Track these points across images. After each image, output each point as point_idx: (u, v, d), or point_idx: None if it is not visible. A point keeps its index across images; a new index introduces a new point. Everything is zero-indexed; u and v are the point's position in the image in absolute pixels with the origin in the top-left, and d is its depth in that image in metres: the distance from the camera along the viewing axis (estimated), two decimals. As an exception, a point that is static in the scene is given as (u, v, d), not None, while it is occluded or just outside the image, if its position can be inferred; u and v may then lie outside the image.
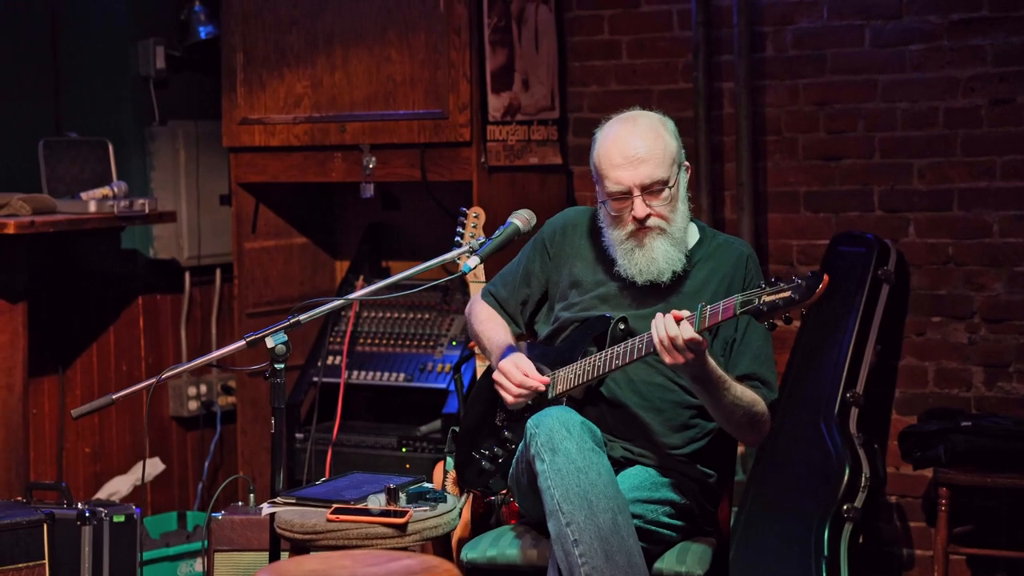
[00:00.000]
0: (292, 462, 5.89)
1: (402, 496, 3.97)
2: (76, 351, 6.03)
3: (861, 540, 5.19)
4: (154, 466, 5.97)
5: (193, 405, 6.26)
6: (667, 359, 3.78)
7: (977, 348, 5.44)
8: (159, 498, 6.18)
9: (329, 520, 3.86)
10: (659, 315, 3.79)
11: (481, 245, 4.09)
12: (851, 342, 5.29)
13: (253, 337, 3.91)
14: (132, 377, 6.12)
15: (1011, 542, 5.28)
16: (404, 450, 5.67)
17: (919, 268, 5.47)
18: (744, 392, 3.95)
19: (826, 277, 3.62)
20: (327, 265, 6.36)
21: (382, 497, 3.95)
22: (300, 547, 3.91)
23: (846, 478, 5.16)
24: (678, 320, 3.76)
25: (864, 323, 5.30)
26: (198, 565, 5.57)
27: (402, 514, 3.86)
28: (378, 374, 5.81)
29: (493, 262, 4.27)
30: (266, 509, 3.97)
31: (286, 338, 3.90)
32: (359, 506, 3.91)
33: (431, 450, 5.60)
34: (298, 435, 5.86)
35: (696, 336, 3.73)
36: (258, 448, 6.04)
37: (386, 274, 6.16)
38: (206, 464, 6.29)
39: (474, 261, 4.04)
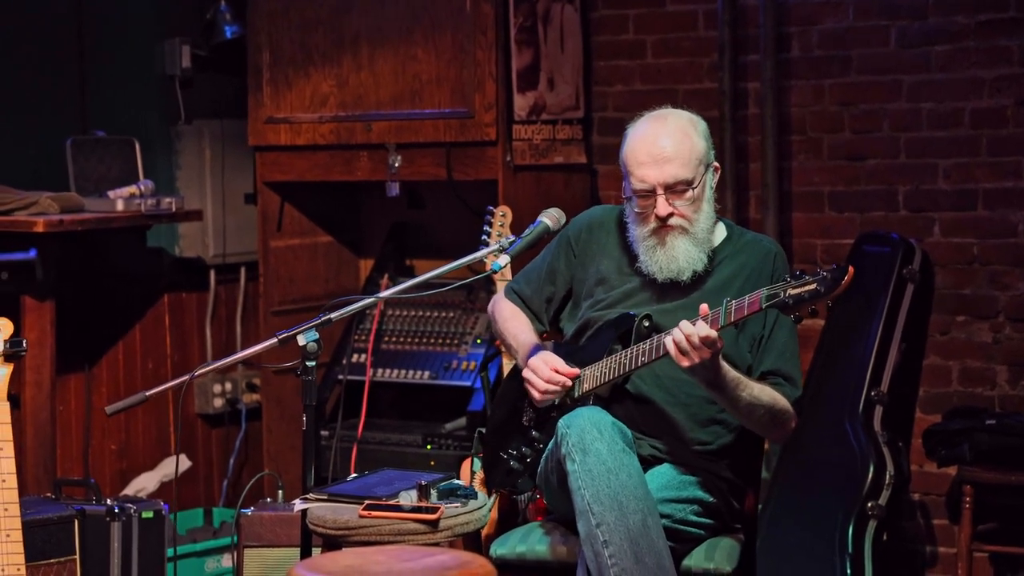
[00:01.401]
0: (318, 459, 5.87)
1: (433, 493, 3.99)
2: (102, 349, 6.06)
3: (885, 537, 5.20)
4: (181, 463, 6.00)
5: (218, 402, 6.29)
6: (683, 363, 3.79)
7: (1001, 347, 5.46)
8: (184, 495, 6.20)
9: (361, 516, 3.88)
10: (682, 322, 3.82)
11: (511, 244, 4.11)
12: (876, 341, 5.29)
13: (285, 335, 3.93)
14: (158, 375, 6.15)
15: (1034, 540, 5.31)
16: (429, 447, 5.70)
17: (944, 268, 5.49)
18: (763, 391, 3.97)
19: (851, 269, 3.64)
20: (351, 263, 6.39)
21: (413, 493, 3.96)
22: (332, 543, 3.93)
23: (870, 476, 5.16)
24: (703, 316, 3.78)
25: (889, 322, 5.30)
26: (225, 561, 5.60)
27: (434, 510, 3.88)
28: (403, 372, 5.84)
29: (517, 260, 4.28)
30: (298, 505, 3.99)
31: (317, 336, 3.93)
32: (391, 502, 3.93)
33: (456, 447, 5.64)
34: (323, 432, 5.89)
35: (711, 333, 3.75)
36: (283, 445, 6.07)
37: (410, 272, 6.20)
38: (231, 461, 6.32)
39: (504, 259, 4.06)
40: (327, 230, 6.27)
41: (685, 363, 3.79)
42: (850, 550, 5.11)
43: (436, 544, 3.87)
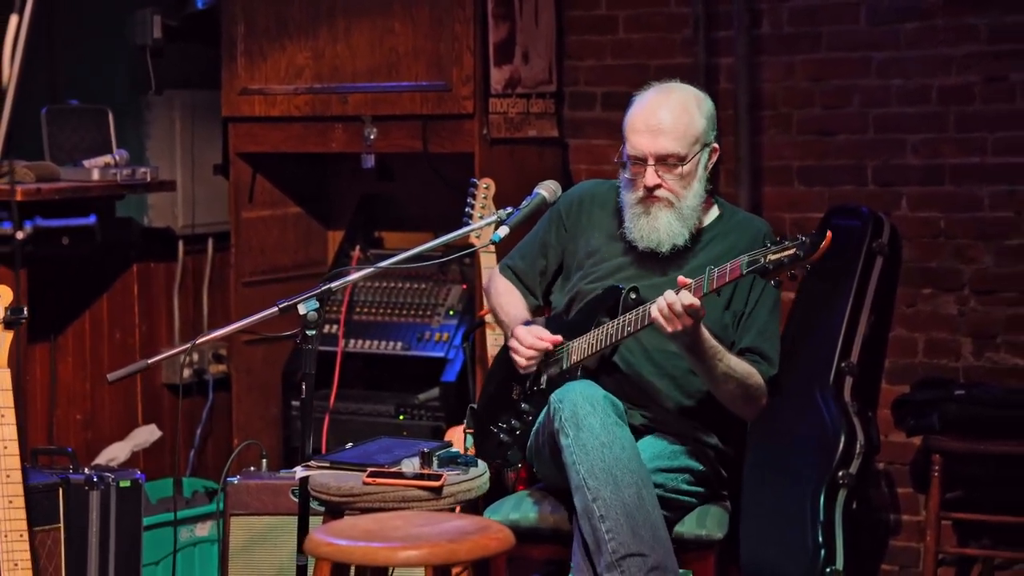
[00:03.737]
0: (288, 430, 5.96)
1: (435, 460, 4.04)
2: (68, 318, 6.05)
3: (855, 505, 5.30)
4: (151, 433, 6.01)
5: (185, 373, 6.29)
6: (667, 328, 3.87)
7: (966, 319, 5.56)
8: (151, 465, 6.20)
9: (366, 483, 3.92)
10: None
11: (509, 215, 4.16)
12: (846, 313, 5.37)
13: (285, 304, 3.96)
14: (126, 345, 6.15)
15: (997, 507, 5.40)
16: (402, 418, 5.74)
17: (911, 241, 5.57)
18: (739, 364, 4.04)
19: (829, 233, 3.72)
20: (320, 235, 6.41)
21: (416, 461, 4.01)
22: (335, 510, 3.97)
23: (841, 445, 5.25)
24: (684, 285, 3.85)
25: (859, 294, 5.38)
26: (198, 530, 5.61)
27: (437, 477, 3.93)
28: (375, 343, 5.87)
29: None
30: (300, 472, 4.02)
31: (318, 305, 3.96)
32: (394, 470, 3.97)
33: (429, 418, 5.68)
34: (294, 403, 5.92)
35: (694, 302, 3.82)
36: (252, 416, 6.10)
37: (380, 244, 6.23)
38: (198, 431, 6.33)
39: (504, 231, 4.09)
40: (297, 201, 6.29)
41: (669, 328, 3.86)
42: (821, 518, 5.20)
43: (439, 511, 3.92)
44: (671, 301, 3.83)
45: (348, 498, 3.93)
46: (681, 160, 4.10)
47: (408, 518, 3.49)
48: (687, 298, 3.82)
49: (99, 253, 5.43)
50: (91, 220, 5.30)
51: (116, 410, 6.18)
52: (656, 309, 3.87)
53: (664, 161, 4.09)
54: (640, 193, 4.13)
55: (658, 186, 4.10)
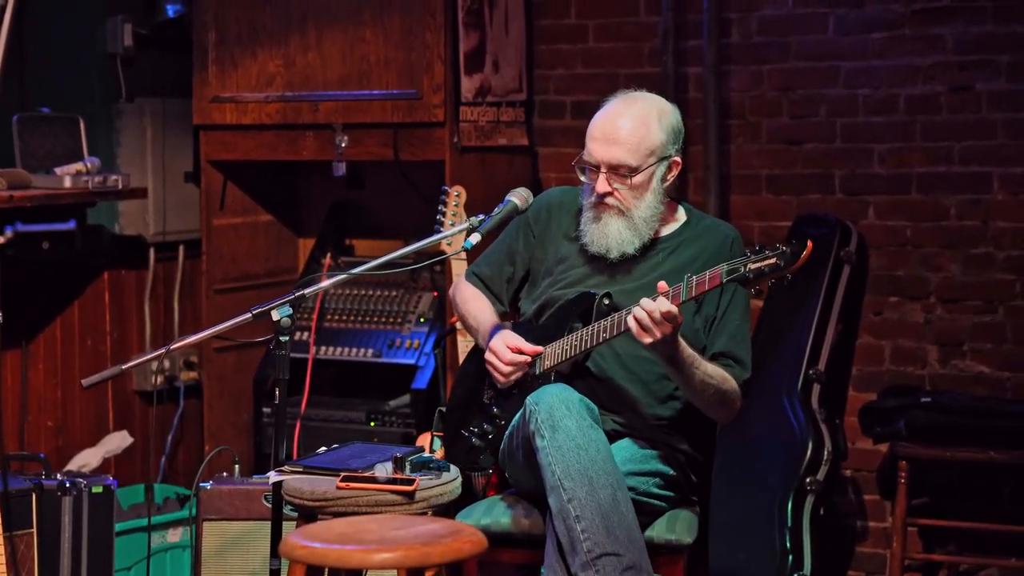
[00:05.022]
0: (260, 436, 5.98)
1: (407, 465, 4.06)
2: (40, 325, 6.05)
3: (822, 512, 5.34)
4: (122, 439, 6.01)
5: (157, 379, 6.30)
6: (645, 339, 3.88)
7: (932, 327, 5.62)
8: (122, 471, 6.21)
9: (339, 488, 3.95)
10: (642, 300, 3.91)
11: (481, 222, 4.18)
12: (814, 321, 5.42)
13: (259, 310, 3.97)
14: (97, 352, 6.15)
15: (962, 514, 5.44)
16: (373, 424, 5.76)
17: (878, 250, 5.63)
18: (715, 370, 4.07)
19: (810, 243, 3.75)
20: (291, 242, 6.44)
21: (388, 466, 4.03)
22: (308, 514, 3.99)
23: (809, 452, 5.30)
24: (662, 292, 3.88)
25: (827, 302, 5.44)
26: (170, 536, 5.62)
27: (410, 482, 3.96)
28: (346, 350, 5.89)
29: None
30: (273, 477, 4.04)
31: (291, 311, 3.98)
32: (367, 474, 4.00)
33: (400, 424, 5.71)
34: (265, 409, 5.94)
35: (672, 309, 3.84)
36: (223, 422, 6.11)
37: (350, 252, 6.25)
38: (169, 438, 6.34)
39: (476, 238, 4.12)
40: (268, 209, 6.31)
41: (647, 339, 3.87)
42: (789, 524, 5.24)
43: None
44: (650, 309, 3.85)
45: (321, 502, 3.95)
46: (633, 171, 4.12)
47: (382, 521, 3.52)
48: (664, 305, 3.84)
49: (73, 259, 5.42)
50: (71, 225, 5.32)
51: (87, 416, 6.18)
52: (633, 321, 3.88)
53: (616, 171, 4.12)
54: (593, 199, 4.17)
55: (609, 194, 4.13)
